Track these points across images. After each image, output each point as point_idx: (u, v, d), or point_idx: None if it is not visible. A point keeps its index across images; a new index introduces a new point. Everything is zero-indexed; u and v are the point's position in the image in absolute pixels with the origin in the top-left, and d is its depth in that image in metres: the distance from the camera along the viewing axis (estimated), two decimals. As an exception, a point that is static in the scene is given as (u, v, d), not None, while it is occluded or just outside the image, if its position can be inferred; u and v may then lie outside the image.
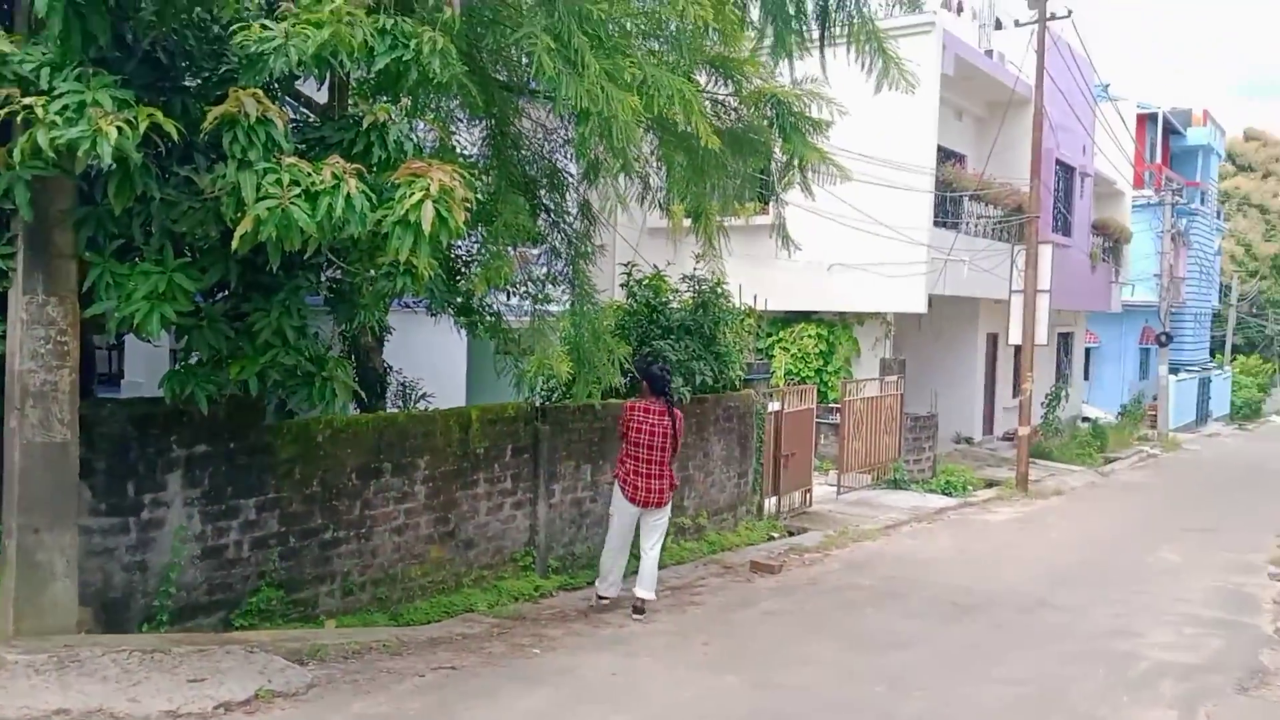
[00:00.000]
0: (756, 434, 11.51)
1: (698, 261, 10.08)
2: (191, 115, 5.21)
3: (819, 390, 14.99)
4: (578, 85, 5.99)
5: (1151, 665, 7.22)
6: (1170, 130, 32.00)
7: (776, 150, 9.03)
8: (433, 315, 8.31)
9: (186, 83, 5.61)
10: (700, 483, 10.65)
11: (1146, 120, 30.33)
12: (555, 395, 9.24)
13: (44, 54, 4.78)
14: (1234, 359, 37.23)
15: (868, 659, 7.08)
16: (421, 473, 7.62)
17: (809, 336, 17.40)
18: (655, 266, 10.67)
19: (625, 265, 10.60)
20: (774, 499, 12.17)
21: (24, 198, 4.88)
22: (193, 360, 5.70)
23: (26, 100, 4.55)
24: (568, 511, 8.93)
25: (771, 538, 11.25)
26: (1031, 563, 10.75)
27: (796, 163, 8.86)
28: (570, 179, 9.19)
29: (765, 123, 8.79)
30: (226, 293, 5.83)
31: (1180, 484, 18.39)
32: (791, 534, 11.54)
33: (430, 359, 10.91)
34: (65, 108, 4.56)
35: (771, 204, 9.78)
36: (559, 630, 7.34)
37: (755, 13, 8.77)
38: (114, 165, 4.67)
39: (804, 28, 8.86)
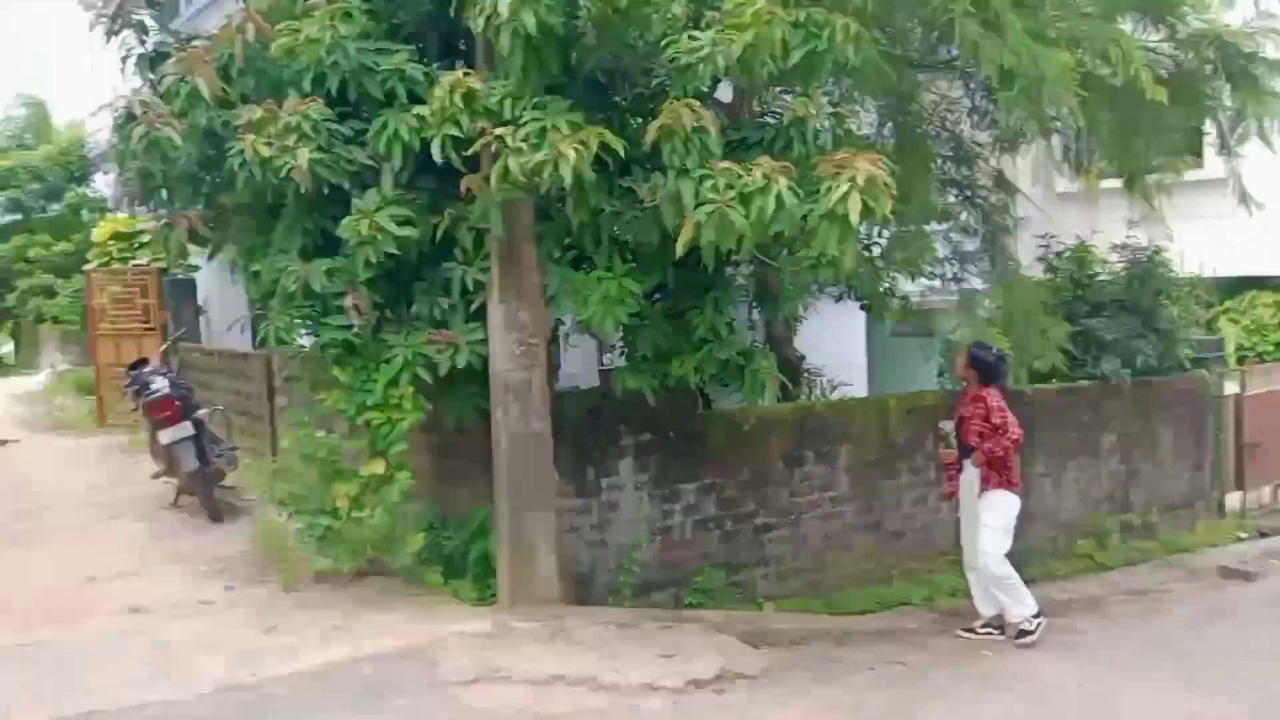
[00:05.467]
0: (1214, 420, 10.12)
1: (1130, 228, 9.07)
2: (628, 129, 5.60)
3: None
4: (1000, 47, 5.64)
5: None
6: None
7: (1225, 99, 7.88)
8: (837, 301, 8.27)
9: (620, 99, 6.05)
10: (1148, 476, 9.57)
11: None
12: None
13: (504, 87, 5.28)
14: None
15: None
16: (843, 462, 7.60)
17: (1265, 305, 14.94)
18: (1077, 236, 9.78)
19: (1041, 237, 9.83)
20: (1237, 494, 10.62)
21: (497, 218, 5.46)
22: (638, 356, 6.12)
23: (498, 130, 5.09)
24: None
25: (1239, 539, 9.82)
26: None
27: (1250, 112, 7.68)
28: (979, 150, 8.72)
29: (1209, 69, 7.71)
30: (663, 293, 6.21)
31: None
32: (1264, 535, 9.99)
33: (828, 345, 10.75)
34: (529, 135, 5.08)
35: (1224, 159, 8.51)
36: (1003, 630, 6.91)
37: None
38: (571, 183, 5.05)
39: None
